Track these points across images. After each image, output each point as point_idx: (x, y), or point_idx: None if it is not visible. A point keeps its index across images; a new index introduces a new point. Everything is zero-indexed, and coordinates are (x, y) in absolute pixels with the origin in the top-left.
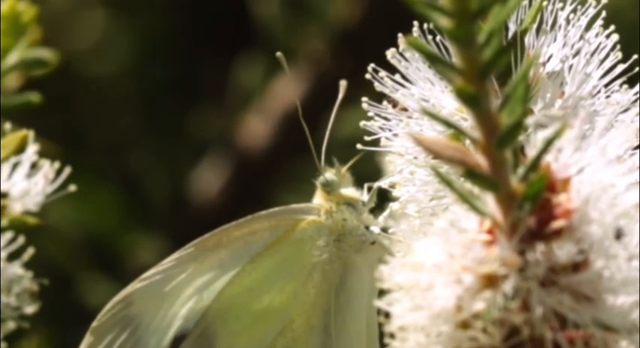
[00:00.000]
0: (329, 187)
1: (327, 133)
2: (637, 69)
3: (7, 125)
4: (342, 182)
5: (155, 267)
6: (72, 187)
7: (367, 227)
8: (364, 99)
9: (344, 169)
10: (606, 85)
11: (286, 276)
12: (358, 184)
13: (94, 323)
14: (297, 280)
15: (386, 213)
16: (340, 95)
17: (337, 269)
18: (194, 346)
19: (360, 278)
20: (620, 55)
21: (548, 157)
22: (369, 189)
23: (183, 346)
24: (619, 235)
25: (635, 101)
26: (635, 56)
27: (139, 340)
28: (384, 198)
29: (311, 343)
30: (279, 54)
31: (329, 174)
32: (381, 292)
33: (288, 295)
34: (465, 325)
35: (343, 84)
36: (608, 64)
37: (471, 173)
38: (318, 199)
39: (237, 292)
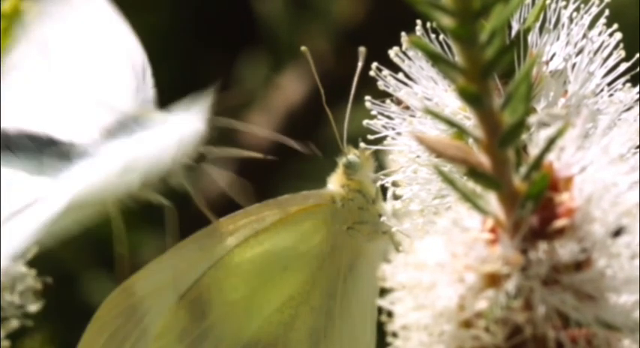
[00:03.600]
0: (351, 169)
1: (348, 111)
2: None
3: None
4: (365, 166)
5: (158, 258)
6: None
7: (380, 216)
8: (367, 97)
9: (368, 152)
10: (609, 84)
11: (292, 255)
12: None
13: (97, 313)
14: (303, 261)
15: (389, 210)
16: (360, 63)
17: (347, 255)
18: (186, 310)
19: (370, 266)
20: (623, 53)
21: (551, 156)
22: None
23: (173, 308)
24: (617, 232)
25: (638, 100)
26: (638, 55)
27: (146, 331)
28: (386, 197)
29: (309, 323)
30: (303, 49)
31: (352, 156)
32: (384, 291)
33: (293, 273)
34: (467, 324)
35: (362, 51)
36: (611, 62)
37: (474, 172)
38: (334, 182)
39: (237, 262)
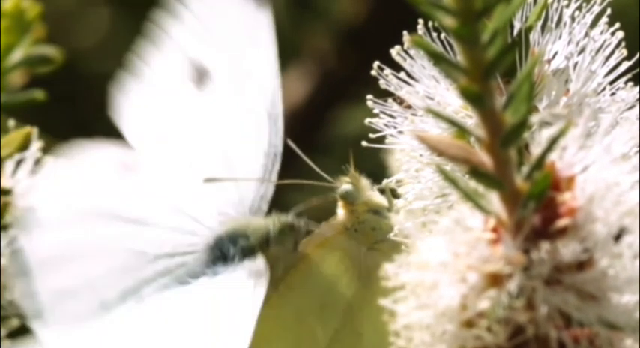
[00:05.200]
0: (350, 199)
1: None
2: None
3: (11, 122)
4: (361, 189)
5: None
6: None
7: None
8: (369, 96)
9: (356, 173)
10: (611, 83)
11: (326, 292)
12: None
13: None
14: (337, 293)
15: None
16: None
17: (374, 272)
18: None
19: None
20: (624, 52)
21: (553, 156)
22: (381, 191)
23: None
24: (619, 235)
25: None
26: None
27: None
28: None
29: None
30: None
31: (346, 185)
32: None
33: (332, 308)
34: (469, 323)
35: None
36: (612, 61)
37: (476, 172)
38: (341, 211)
39: (277, 313)
